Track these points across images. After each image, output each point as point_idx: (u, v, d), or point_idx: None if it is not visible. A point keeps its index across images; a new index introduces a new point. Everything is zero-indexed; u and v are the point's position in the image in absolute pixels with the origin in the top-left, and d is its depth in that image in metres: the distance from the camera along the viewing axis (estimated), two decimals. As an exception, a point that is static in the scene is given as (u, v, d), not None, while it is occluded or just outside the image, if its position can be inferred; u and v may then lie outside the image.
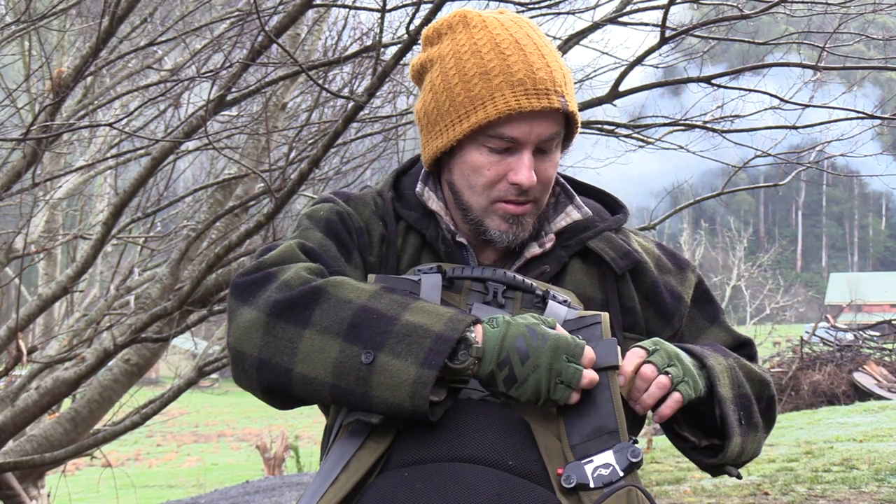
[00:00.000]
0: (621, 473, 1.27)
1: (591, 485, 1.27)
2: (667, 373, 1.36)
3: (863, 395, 14.67)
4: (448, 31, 1.49)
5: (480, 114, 1.41)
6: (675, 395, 1.36)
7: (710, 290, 1.64)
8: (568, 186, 1.57)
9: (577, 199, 1.55)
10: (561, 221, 1.52)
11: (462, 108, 1.43)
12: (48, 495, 6.65)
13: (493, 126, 1.41)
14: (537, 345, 1.26)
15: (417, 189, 1.54)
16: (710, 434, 1.47)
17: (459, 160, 1.47)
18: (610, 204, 1.61)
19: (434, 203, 1.53)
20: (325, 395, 1.26)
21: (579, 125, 1.49)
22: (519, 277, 1.43)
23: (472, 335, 1.26)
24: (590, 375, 1.29)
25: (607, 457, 1.28)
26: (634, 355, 1.37)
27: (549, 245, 1.50)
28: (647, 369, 1.36)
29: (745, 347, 1.61)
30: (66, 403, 5.67)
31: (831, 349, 16.61)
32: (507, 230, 1.46)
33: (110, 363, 4.95)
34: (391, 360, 1.22)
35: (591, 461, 1.29)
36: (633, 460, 1.28)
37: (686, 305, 1.55)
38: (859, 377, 15.13)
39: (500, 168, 1.43)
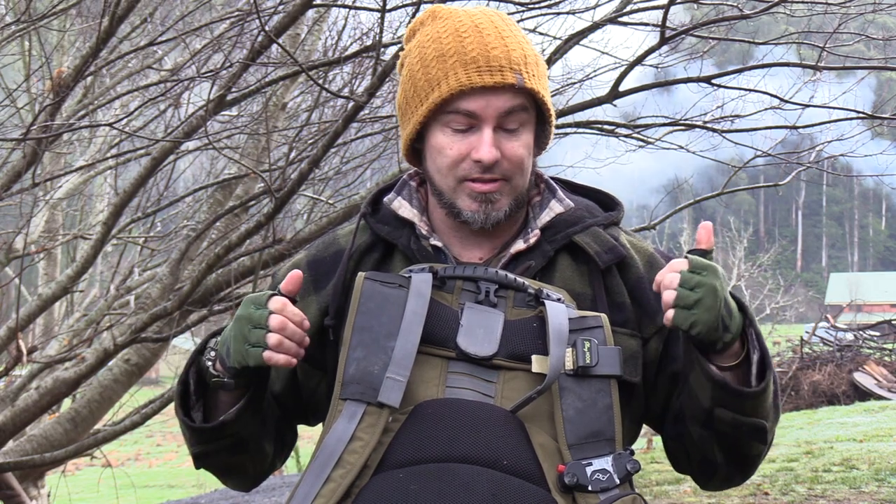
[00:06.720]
0: (617, 481, 1.32)
1: (589, 487, 1.30)
2: (684, 287, 1.31)
3: (863, 395, 14.69)
4: (420, 27, 1.52)
5: (436, 93, 1.43)
6: (669, 313, 1.32)
7: None
8: (552, 183, 1.56)
9: (560, 192, 1.54)
10: (545, 217, 1.51)
11: (422, 91, 1.45)
12: (48, 495, 6.64)
13: (449, 103, 1.43)
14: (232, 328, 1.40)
15: (387, 198, 1.54)
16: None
17: (428, 146, 1.48)
18: (606, 202, 1.59)
19: (406, 210, 1.52)
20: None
21: (551, 109, 1.48)
22: (511, 276, 1.43)
23: (212, 342, 1.44)
24: (276, 322, 1.33)
25: (605, 463, 1.32)
26: (677, 266, 1.33)
27: (533, 240, 1.49)
28: (671, 279, 1.32)
29: None
30: (66, 403, 5.66)
31: (831, 349, 16.62)
32: (477, 210, 1.45)
33: (110, 363, 4.95)
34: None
35: (591, 464, 1.32)
36: (630, 470, 1.33)
37: None
38: (859, 377, 15.14)
39: (463, 146, 1.43)
